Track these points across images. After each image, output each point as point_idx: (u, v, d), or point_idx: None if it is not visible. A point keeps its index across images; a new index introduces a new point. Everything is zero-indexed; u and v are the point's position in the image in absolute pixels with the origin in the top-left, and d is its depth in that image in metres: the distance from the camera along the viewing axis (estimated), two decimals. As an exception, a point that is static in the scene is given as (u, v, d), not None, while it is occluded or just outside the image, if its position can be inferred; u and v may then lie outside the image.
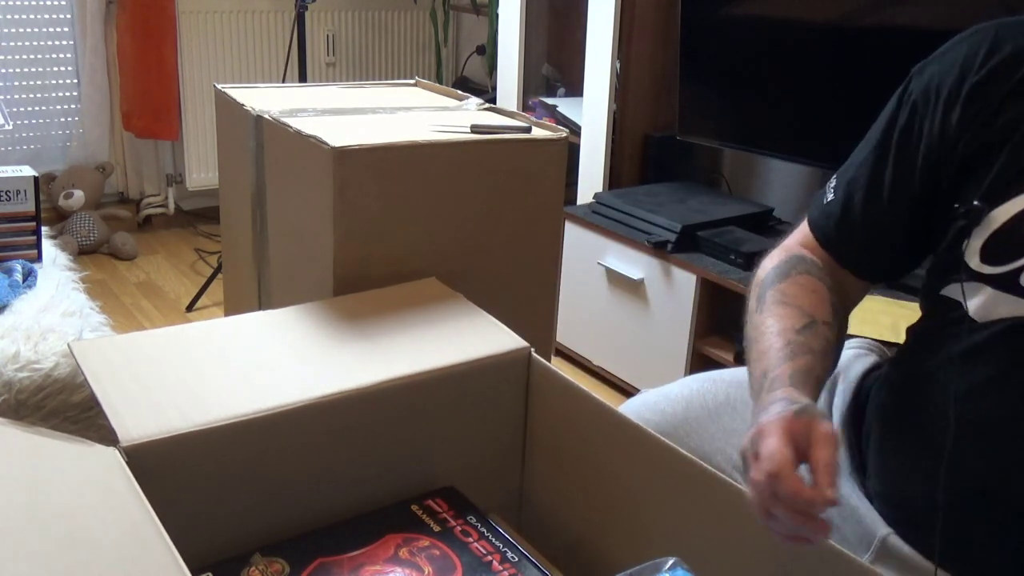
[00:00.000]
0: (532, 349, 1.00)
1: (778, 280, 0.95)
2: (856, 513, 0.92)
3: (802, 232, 1.01)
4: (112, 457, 0.75)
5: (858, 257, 0.96)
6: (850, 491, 0.94)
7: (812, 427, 0.73)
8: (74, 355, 0.90)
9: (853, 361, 1.06)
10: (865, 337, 1.12)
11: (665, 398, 1.11)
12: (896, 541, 0.89)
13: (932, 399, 0.87)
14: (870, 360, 1.05)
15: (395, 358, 0.94)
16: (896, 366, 0.96)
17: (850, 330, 0.98)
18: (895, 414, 0.93)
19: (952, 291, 0.87)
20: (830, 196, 0.98)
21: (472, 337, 1.00)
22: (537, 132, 1.26)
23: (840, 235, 0.96)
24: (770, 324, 0.90)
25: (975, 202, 0.83)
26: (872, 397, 0.99)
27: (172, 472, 0.79)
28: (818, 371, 0.85)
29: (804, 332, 0.88)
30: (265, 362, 0.92)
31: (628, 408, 1.12)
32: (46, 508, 0.67)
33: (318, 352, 0.95)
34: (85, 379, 0.86)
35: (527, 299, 1.29)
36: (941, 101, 0.88)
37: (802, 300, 0.92)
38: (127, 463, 0.74)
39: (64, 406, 1.23)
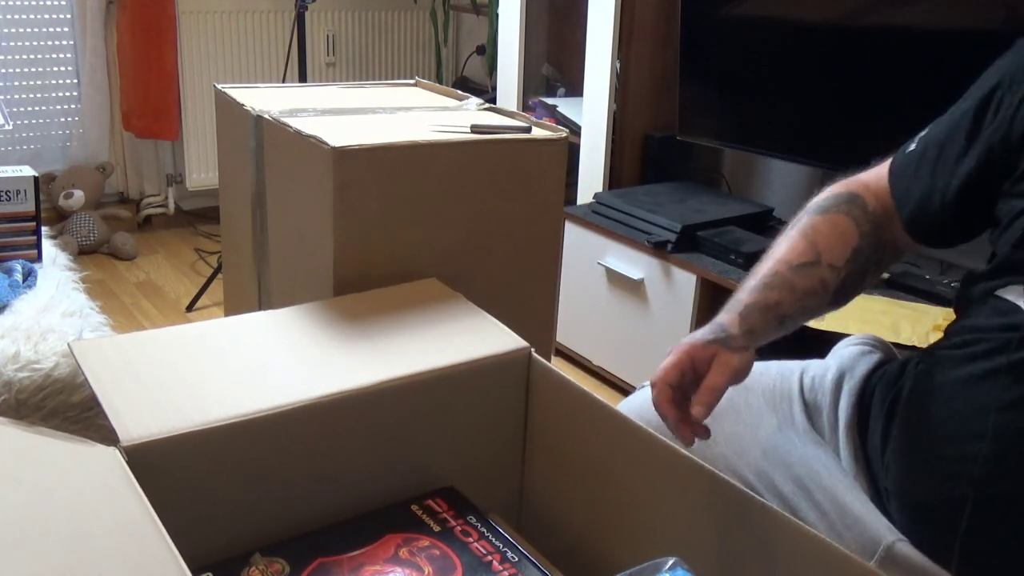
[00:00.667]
0: (532, 349, 1.00)
1: (817, 212, 0.97)
2: (860, 521, 0.89)
3: (878, 172, 1.00)
4: (112, 457, 0.75)
5: (913, 214, 0.95)
6: (854, 497, 0.92)
7: (717, 354, 0.82)
8: (74, 355, 0.90)
9: (858, 359, 1.03)
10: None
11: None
12: (904, 548, 0.86)
13: (969, 404, 0.83)
14: (875, 358, 1.03)
15: (395, 358, 0.94)
16: (929, 364, 0.91)
17: (849, 330, 0.97)
18: (921, 413, 0.90)
19: (1010, 293, 0.83)
20: (912, 146, 0.97)
21: (472, 337, 1.00)
22: (537, 132, 1.26)
23: (906, 189, 0.96)
24: (779, 250, 0.94)
25: None
26: (877, 395, 0.97)
27: (172, 472, 0.79)
28: (787, 309, 0.89)
29: (799, 269, 0.91)
30: (265, 362, 0.92)
31: (629, 406, 1.11)
32: (46, 508, 0.67)
33: (318, 352, 0.95)
34: (85, 379, 0.86)
35: (527, 299, 1.29)
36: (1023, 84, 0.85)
37: (821, 239, 0.93)
38: (127, 463, 0.74)
39: (64, 406, 1.23)
